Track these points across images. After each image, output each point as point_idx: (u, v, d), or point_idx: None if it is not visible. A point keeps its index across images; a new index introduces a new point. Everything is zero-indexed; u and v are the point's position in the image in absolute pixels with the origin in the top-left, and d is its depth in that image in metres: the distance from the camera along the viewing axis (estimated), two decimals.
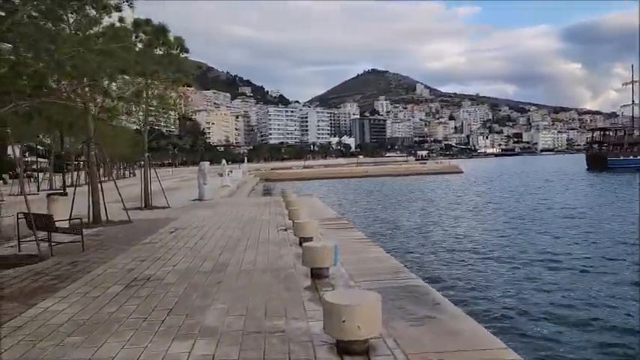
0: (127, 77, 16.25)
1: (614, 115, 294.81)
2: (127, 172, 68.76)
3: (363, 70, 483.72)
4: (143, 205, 17.95)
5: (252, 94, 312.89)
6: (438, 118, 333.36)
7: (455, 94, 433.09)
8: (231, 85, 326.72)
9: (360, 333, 3.73)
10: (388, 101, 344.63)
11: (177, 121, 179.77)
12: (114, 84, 14.55)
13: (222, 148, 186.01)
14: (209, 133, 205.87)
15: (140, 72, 15.12)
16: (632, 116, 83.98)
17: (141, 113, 18.42)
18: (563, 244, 17.01)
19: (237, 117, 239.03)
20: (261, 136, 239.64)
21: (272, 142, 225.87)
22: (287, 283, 6.27)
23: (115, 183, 14.71)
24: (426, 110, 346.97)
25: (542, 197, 35.34)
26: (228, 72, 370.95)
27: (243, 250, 8.77)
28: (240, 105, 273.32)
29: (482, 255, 15.50)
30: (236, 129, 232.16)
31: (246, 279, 6.57)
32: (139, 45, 15.92)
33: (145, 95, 17.12)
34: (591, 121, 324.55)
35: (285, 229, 11.10)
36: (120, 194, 13.95)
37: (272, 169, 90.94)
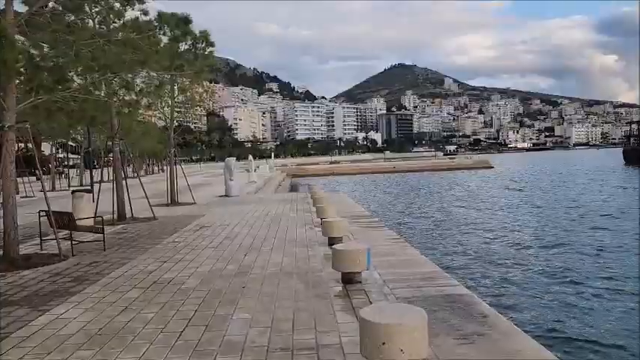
0: (152, 73, 16.03)
1: None
2: (156, 168, 69.52)
3: (390, 65, 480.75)
4: (169, 202, 17.72)
5: (278, 90, 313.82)
6: (466, 113, 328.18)
7: (484, 87, 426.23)
8: (258, 81, 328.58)
9: (402, 357, 3.20)
10: (415, 96, 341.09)
11: (206, 117, 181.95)
12: (138, 79, 14.30)
13: (249, 144, 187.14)
14: (236, 129, 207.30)
15: (166, 66, 14.82)
16: None
17: (167, 108, 18.18)
18: (607, 245, 16.07)
19: (264, 113, 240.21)
20: (288, 131, 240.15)
21: (299, 137, 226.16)
22: (316, 289, 5.77)
23: (140, 179, 14.48)
24: (454, 104, 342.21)
25: (580, 194, 34.00)
26: (255, 68, 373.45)
27: (269, 251, 8.32)
28: (267, 101, 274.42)
29: (521, 258, 14.71)
30: (263, 125, 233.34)
31: (272, 284, 6.10)
32: (164, 39, 15.69)
33: (169, 90, 16.87)
34: (627, 114, 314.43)
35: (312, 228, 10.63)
36: (144, 190, 13.68)
37: (299, 164, 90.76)
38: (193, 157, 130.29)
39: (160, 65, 14.12)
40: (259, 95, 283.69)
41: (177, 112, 20.60)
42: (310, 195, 16.60)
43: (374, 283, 5.92)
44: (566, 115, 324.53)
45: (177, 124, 28.94)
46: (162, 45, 16.68)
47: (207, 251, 8.53)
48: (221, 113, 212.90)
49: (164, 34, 13.80)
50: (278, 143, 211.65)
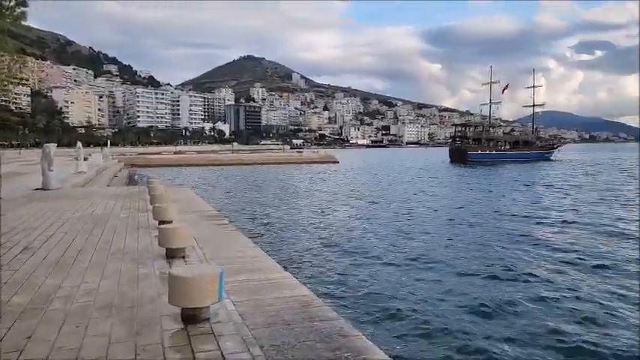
0: None
1: (468, 113, 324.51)
2: None
3: (239, 56, 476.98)
4: None
5: (118, 73, 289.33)
6: (312, 108, 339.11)
7: (329, 85, 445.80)
8: (95, 61, 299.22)
9: None
10: (264, 89, 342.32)
11: (29, 97, 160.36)
12: None
13: (82, 130, 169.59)
14: (68, 112, 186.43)
15: None
16: (490, 114, 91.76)
17: None
18: (443, 236, 16.53)
19: (100, 97, 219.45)
20: (128, 118, 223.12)
21: (140, 125, 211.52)
22: (144, 336, 3.99)
23: None
24: (301, 100, 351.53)
25: (417, 189, 36.02)
26: (91, 47, 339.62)
27: (84, 270, 6.21)
28: (105, 84, 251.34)
29: (374, 255, 14.27)
30: (99, 110, 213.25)
31: (78, 329, 4.15)
32: None
33: None
34: (449, 117, 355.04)
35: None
36: None
37: (140, 154, 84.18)
38: (14, 143, 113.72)
39: None
40: (95, 77, 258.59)
41: None
42: (148, 190, 14.27)
43: (228, 320, 4.34)
44: (400, 116, 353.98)
45: None
46: None
47: None
48: (49, 94, 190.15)
49: None
50: (116, 130, 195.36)
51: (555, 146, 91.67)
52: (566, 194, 31.05)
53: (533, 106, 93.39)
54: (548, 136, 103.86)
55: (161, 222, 8.71)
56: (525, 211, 23.10)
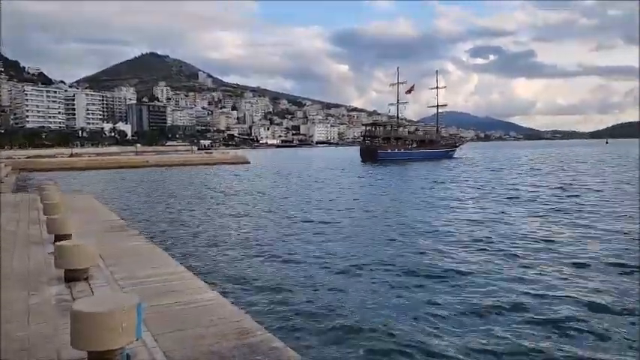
0: None
1: (375, 112, 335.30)
2: None
3: (141, 53, 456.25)
4: None
5: (3, 69, 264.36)
6: (220, 108, 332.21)
7: (237, 84, 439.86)
8: None
9: None
10: (169, 88, 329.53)
11: None
12: None
13: None
14: None
15: None
16: (397, 114, 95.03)
17: None
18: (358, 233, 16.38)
19: None
20: (15, 118, 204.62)
21: (29, 126, 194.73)
22: None
23: None
24: (208, 99, 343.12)
25: (335, 188, 36.02)
26: None
27: None
28: None
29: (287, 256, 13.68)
30: None
31: None
32: None
33: None
34: (357, 117, 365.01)
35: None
36: None
37: (29, 157, 77.16)
38: None
39: None
40: None
41: None
42: (40, 198, 12.61)
43: None
44: (309, 116, 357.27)
45: None
46: None
47: None
48: None
49: None
50: (2, 131, 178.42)
51: (457, 145, 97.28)
52: (476, 188, 32.56)
53: (437, 106, 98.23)
54: (449, 135, 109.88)
55: (58, 237, 7.52)
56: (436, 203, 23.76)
